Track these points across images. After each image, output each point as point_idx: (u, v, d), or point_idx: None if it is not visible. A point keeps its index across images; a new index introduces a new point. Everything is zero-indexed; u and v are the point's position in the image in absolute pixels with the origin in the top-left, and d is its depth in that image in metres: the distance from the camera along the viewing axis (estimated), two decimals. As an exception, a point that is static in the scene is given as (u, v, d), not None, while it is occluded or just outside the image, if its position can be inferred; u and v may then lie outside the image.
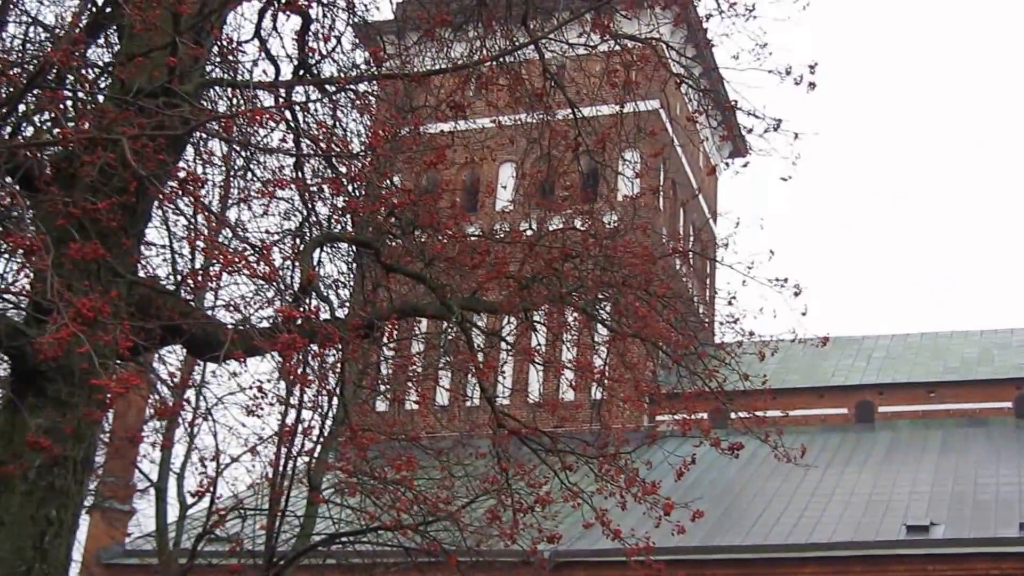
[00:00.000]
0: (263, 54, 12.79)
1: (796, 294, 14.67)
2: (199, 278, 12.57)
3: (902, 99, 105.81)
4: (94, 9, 11.52)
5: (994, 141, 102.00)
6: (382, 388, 19.93)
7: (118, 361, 10.39)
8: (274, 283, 11.19)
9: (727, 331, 15.54)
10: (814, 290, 15.25)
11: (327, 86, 12.31)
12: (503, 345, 16.43)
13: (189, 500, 20.55)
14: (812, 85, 13.67)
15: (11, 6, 11.68)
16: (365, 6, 13.91)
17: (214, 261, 10.48)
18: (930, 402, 35.36)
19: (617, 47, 14.71)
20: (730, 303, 15.28)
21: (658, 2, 15.02)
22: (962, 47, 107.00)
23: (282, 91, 11.64)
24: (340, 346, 12.92)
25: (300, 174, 12.18)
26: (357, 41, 14.80)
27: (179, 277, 13.00)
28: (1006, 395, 34.93)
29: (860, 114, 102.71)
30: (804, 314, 14.85)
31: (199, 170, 12.15)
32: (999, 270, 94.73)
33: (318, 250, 13.61)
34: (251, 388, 14.53)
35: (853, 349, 38.17)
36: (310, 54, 12.58)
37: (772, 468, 27.89)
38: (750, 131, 14.17)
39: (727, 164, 40.65)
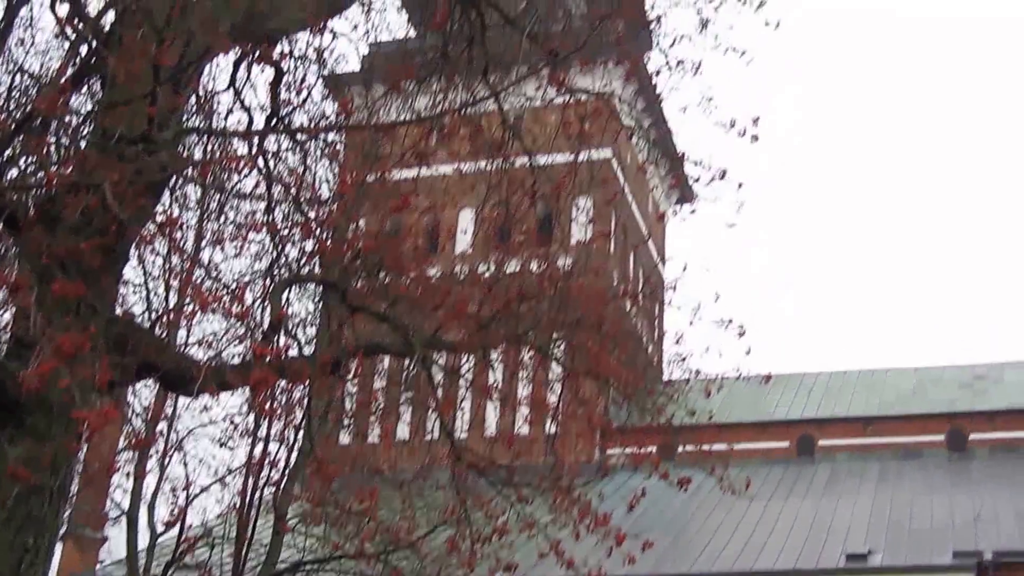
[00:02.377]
0: (238, 104, 12.86)
1: (740, 334, 14.79)
2: (174, 316, 12.62)
3: (835, 145, 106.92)
4: (78, 59, 11.58)
5: (926, 184, 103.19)
6: (346, 422, 19.94)
7: (95, 394, 10.41)
8: (245, 321, 11.25)
9: (675, 369, 15.63)
10: (757, 329, 15.40)
11: (298, 135, 12.41)
12: (462, 382, 16.50)
13: (160, 528, 20.42)
14: (755, 138, 13.87)
15: (-2, 55, 11.73)
16: (335, 59, 14.02)
17: (189, 300, 10.56)
18: (867, 435, 35.62)
19: (572, 100, 14.88)
20: (677, 342, 15.37)
21: (611, 58, 15.20)
22: (891, 101, 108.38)
23: (255, 139, 11.73)
24: (307, 382, 12.98)
25: (271, 218, 12.25)
26: (327, 92, 14.91)
27: (155, 314, 13.04)
28: (939, 428, 35.26)
29: (801, 158, 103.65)
30: (748, 353, 14.99)
31: (176, 213, 12.21)
32: (932, 309, 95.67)
33: (287, 290, 13.66)
34: (222, 421, 14.54)
35: (794, 385, 38.42)
36: (282, 104, 12.67)
37: (718, 499, 28.01)
38: (697, 180, 14.34)
39: (675, 211, 40.93)
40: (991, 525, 26.96)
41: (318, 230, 12.09)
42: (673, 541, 27.78)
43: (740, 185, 14.06)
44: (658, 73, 14.81)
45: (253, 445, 17.02)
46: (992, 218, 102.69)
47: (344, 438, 23.43)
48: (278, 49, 12.22)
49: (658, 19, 14.49)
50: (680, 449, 16.01)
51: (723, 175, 14.06)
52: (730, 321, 14.82)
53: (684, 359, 15.38)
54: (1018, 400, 35.32)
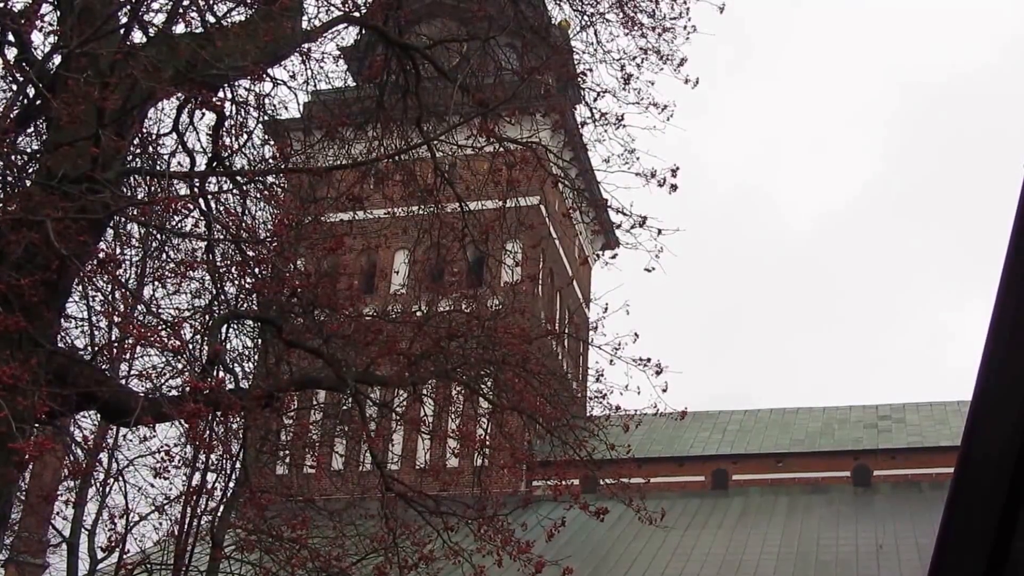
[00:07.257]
0: (180, 146, 12.76)
1: (658, 372, 14.75)
2: (114, 349, 12.42)
3: (754, 190, 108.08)
4: (24, 101, 11.44)
5: (838, 232, 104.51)
6: (281, 453, 19.71)
7: (36, 425, 10.20)
8: (183, 355, 11.09)
9: (596, 405, 15.60)
10: (674, 368, 15.29)
11: (238, 177, 12.33)
12: (393, 415, 16.40)
13: (99, 555, 20.02)
14: (674, 187, 13.93)
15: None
16: (275, 106, 13.97)
17: (129, 334, 10.39)
18: (778, 471, 35.84)
19: (501, 149, 14.92)
20: (598, 380, 15.36)
21: (539, 110, 15.28)
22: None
23: (196, 181, 11.63)
24: (243, 414, 12.82)
25: (211, 257, 12.15)
26: (266, 137, 14.82)
27: (96, 348, 12.81)
28: (845, 465, 35.58)
29: (722, 204, 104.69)
30: (665, 391, 14.92)
31: (117, 251, 12.06)
32: (840, 353, 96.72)
33: (225, 326, 13.52)
34: (160, 452, 14.26)
35: (709, 422, 38.60)
36: (223, 148, 12.58)
37: (636, 530, 28.00)
38: (619, 226, 14.40)
39: (598, 255, 41.11)
40: (893, 556, 27.14)
41: (256, 269, 11.99)
42: (593, 570, 27.68)
43: (659, 232, 14.15)
44: (583, 125, 14.91)
45: (191, 475, 16.73)
46: (897, 267, 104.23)
47: (279, 469, 23.20)
48: (220, 95, 12.15)
49: (583, 73, 14.59)
50: (600, 482, 15.92)
51: (643, 222, 14.15)
52: (648, 360, 14.84)
53: (605, 396, 15.38)
54: (919, 439, 35.74)
